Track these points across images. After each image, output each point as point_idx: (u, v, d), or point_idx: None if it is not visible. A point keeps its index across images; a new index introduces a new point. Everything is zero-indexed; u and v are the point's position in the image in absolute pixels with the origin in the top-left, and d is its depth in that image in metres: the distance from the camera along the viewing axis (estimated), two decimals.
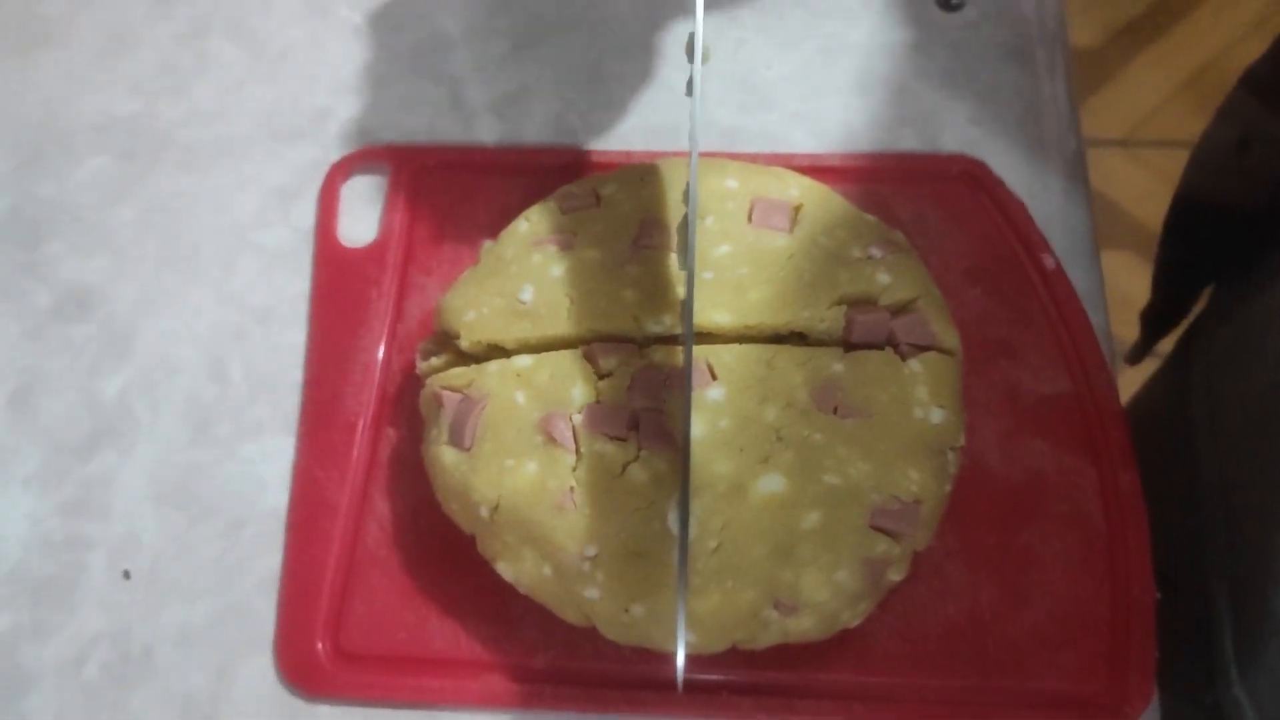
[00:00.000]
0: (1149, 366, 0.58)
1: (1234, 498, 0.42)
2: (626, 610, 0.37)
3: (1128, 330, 0.60)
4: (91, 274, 0.51)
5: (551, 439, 0.38)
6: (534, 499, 0.37)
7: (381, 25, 0.57)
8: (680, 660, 0.36)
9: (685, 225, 0.36)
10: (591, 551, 0.36)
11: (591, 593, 0.37)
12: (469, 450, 0.39)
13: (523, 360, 0.40)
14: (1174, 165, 0.51)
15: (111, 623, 0.44)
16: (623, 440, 0.38)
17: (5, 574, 0.45)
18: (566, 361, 0.40)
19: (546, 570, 0.38)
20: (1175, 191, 0.50)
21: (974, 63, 0.54)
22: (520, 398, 0.39)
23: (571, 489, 0.37)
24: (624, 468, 0.37)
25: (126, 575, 0.44)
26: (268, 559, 0.44)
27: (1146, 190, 1.34)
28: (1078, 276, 0.47)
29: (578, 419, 0.38)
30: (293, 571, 0.44)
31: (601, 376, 0.39)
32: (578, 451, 0.38)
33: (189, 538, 0.45)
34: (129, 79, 0.56)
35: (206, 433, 0.47)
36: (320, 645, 0.42)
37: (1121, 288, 0.59)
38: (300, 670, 0.42)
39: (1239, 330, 0.45)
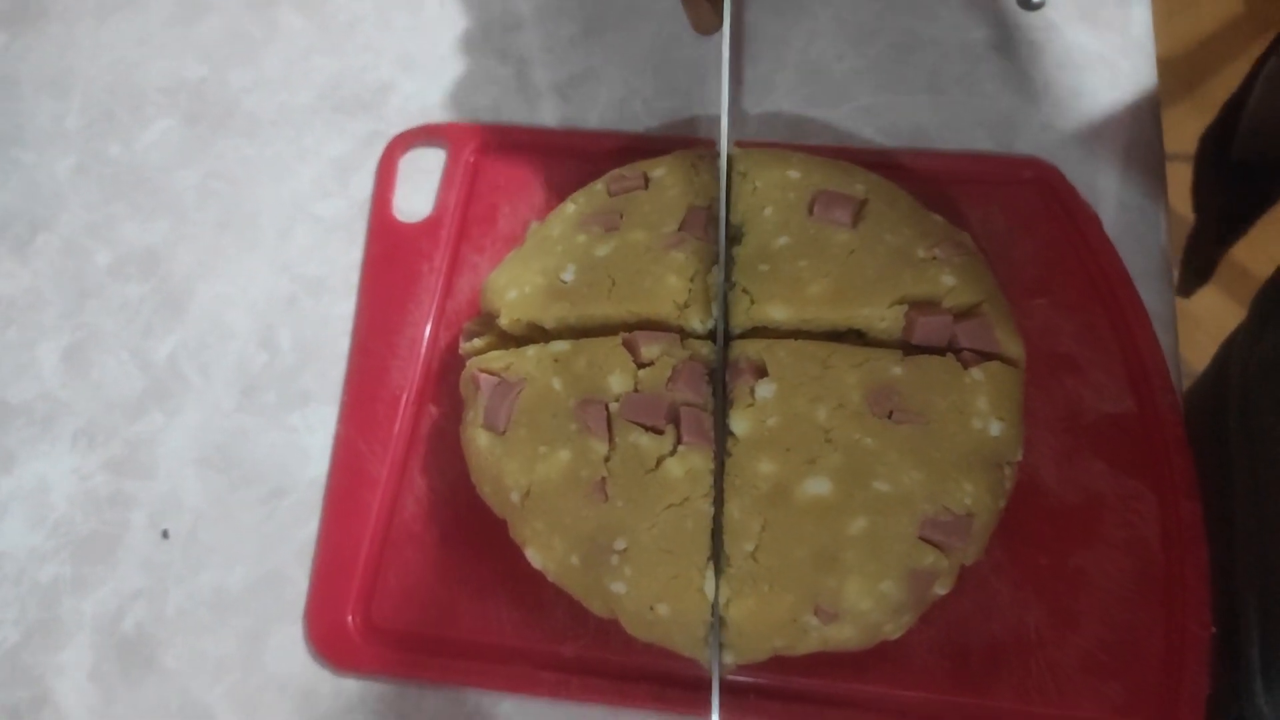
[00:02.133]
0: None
1: (1265, 507, 0.40)
2: (652, 609, 0.36)
3: (1195, 352, 0.58)
4: (151, 236, 0.51)
5: (586, 427, 0.37)
6: (565, 488, 0.37)
7: (450, 1, 0.56)
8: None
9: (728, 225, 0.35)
10: (621, 545, 0.36)
11: (618, 587, 0.36)
12: (503, 434, 0.39)
13: (560, 345, 0.40)
14: None
15: (149, 581, 0.44)
16: (659, 433, 0.37)
17: (50, 526, 0.45)
18: (605, 349, 0.39)
19: (574, 560, 0.37)
20: (1228, 100, 0.48)
21: (1053, 67, 0.52)
22: (557, 383, 0.38)
23: (604, 479, 0.36)
24: (659, 461, 0.36)
25: (165, 535, 0.45)
26: (306, 529, 0.44)
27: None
28: (1148, 295, 0.45)
29: (614, 408, 0.37)
30: (328, 542, 0.44)
31: (641, 365, 0.38)
32: (611, 441, 0.37)
33: (229, 503, 0.45)
34: (199, 45, 0.56)
35: (253, 399, 0.47)
36: (351, 618, 0.42)
37: (1191, 307, 0.56)
38: (330, 642, 0.42)
39: (1276, 341, 0.44)
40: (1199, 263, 0.55)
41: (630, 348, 0.39)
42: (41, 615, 0.44)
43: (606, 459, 0.37)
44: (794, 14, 0.54)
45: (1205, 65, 1.41)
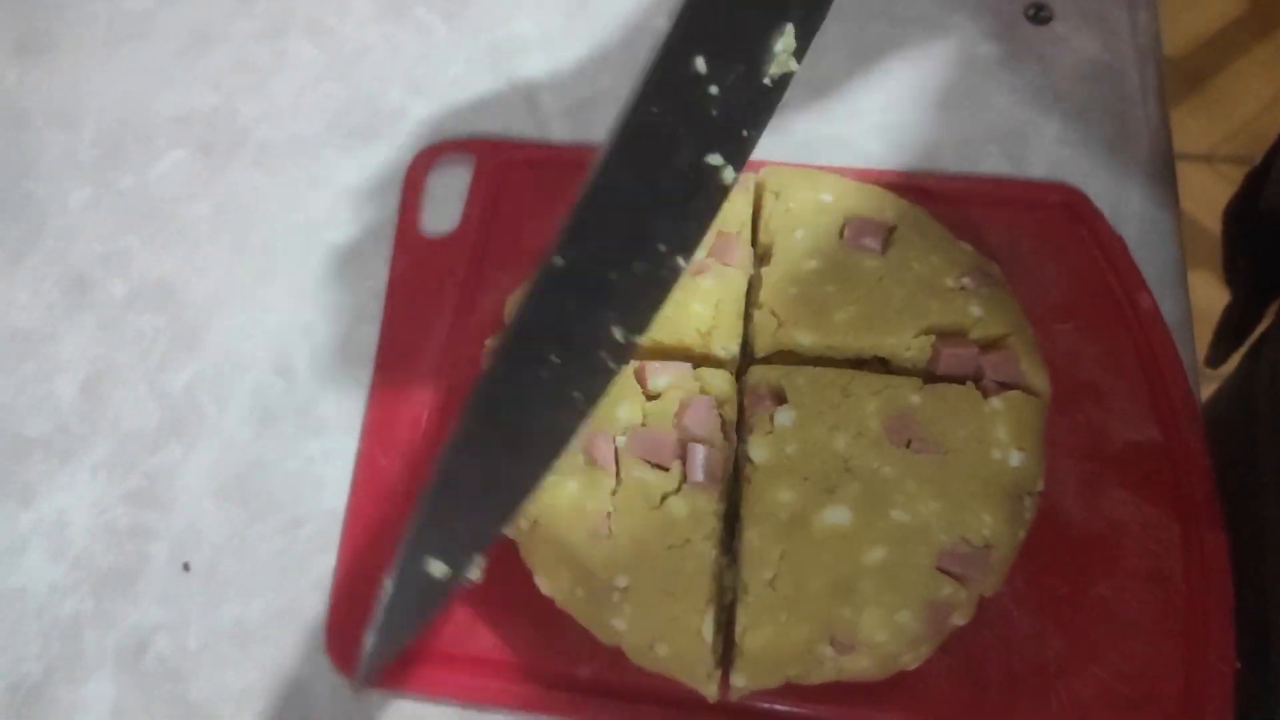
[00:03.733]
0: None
1: None
2: (651, 647, 0.36)
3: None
4: (165, 267, 0.52)
5: (593, 459, 0.37)
6: (571, 520, 0.37)
7: (458, 27, 0.56)
8: None
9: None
10: (623, 583, 0.36)
11: (619, 623, 0.36)
12: None
13: None
14: None
15: (171, 615, 0.44)
16: (665, 470, 0.37)
17: (71, 560, 0.46)
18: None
19: (579, 592, 0.37)
20: (1242, 183, 0.47)
21: (1063, 80, 0.52)
22: None
23: (609, 514, 0.36)
24: (663, 499, 0.36)
25: (186, 568, 0.45)
26: (325, 558, 0.45)
27: None
28: (1166, 308, 0.45)
29: (621, 441, 0.37)
30: (349, 557, 0.44)
31: (650, 398, 0.38)
32: (618, 476, 0.37)
33: (248, 534, 0.46)
34: (209, 75, 0.57)
35: (270, 429, 0.48)
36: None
37: (1207, 308, 0.56)
38: (350, 655, 0.42)
39: None
40: (1235, 333, 0.54)
41: (639, 378, 0.39)
42: (64, 650, 0.44)
43: (613, 493, 0.37)
44: None
45: (1211, 64, 1.40)
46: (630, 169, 0.30)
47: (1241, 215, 0.48)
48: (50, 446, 0.48)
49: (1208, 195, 1.37)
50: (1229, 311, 0.54)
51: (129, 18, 0.59)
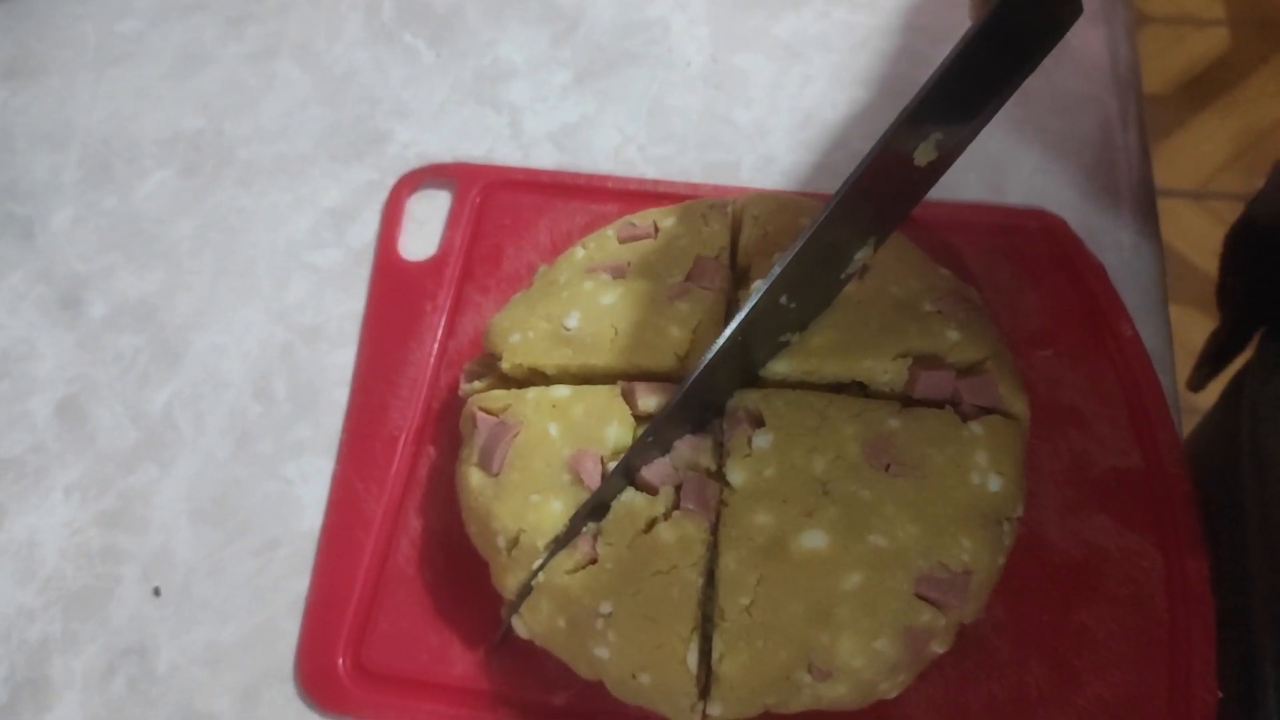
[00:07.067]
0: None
1: (1278, 547, 0.40)
2: (634, 676, 0.35)
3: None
4: (147, 286, 0.52)
5: (579, 479, 0.37)
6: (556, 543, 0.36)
7: (445, 52, 0.57)
8: None
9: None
10: (607, 609, 0.35)
11: (601, 652, 0.35)
12: (496, 476, 0.38)
13: (560, 391, 0.39)
14: None
15: (141, 638, 0.44)
16: (654, 494, 0.36)
17: (41, 582, 0.45)
18: (604, 398, 0.39)
19: (560, 622, 0.36)
20: (1245, 207, 0.48)
21: (1043, 110, 0.52)
22: (554, 430, 0.38)
23: (595, 537, 0.36)
24: (650, 524, 0.36)
25: (157, 592, 0.44)
26: (299, 581, 0.44)
27: (1218, 244, 1.29)
28: (1146, 335, 0.45)
29: (609, 460, 0.37)
30: (321, 582, 0.43)
31: (639, 419, 0.38)
32: None
33: (222, 556, 0.45)
34: (197, 96, 0.57)
35: (247, 450, 0.47)
36: (341, 661, 0.42)
37: (1190, 343, 0.56)
38: (319, 685, 0.41)
39: None
40: (1219, 357, 0.54)
41: (627, 398, 0.38)
42: (30, 674, 0.43)
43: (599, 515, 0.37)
44: (788, 60, 0.55)
45: (1195, 100, 1.41)
46: (727, 353, 0.37)
47: (1241, 236, 0.48)
48: (23, 466, 0.48)
49: (1196, 232, 1.38)
50: (1215, 336, 0.54)
51: (118, 39, 0.59)
